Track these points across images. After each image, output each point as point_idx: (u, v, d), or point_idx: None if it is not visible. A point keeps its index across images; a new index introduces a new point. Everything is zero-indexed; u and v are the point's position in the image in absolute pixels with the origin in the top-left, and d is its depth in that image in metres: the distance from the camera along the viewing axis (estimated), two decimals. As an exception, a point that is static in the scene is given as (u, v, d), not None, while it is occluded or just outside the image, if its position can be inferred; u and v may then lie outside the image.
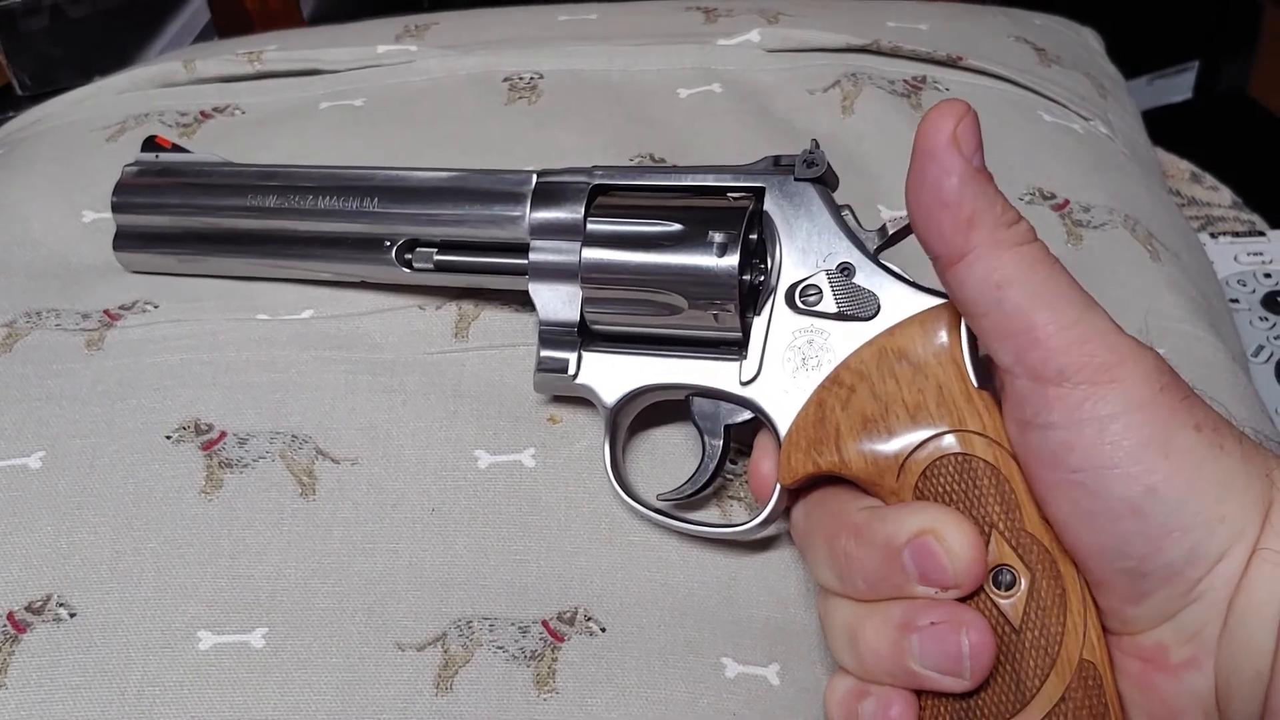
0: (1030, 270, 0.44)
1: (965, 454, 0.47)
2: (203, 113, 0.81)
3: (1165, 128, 1.06)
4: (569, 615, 0.54)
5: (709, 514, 0.58)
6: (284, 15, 1.32)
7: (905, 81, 0.79)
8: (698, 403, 0.55)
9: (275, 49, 0.86)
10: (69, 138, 0.81)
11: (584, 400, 0.61)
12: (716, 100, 0.79)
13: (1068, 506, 0.44)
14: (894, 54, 0.81)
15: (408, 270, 0.63)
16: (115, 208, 0.69)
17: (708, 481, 0.55)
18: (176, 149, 0.70)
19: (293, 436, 0.60)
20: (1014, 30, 0.90)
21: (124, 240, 0.69)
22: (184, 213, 0.67)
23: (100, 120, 0.82)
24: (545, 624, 0.54)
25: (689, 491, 0.55)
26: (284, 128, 0.78)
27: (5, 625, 0.54)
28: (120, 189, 0.69)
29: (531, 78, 0.81)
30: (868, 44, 0.82)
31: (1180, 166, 0.99)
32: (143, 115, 0.81)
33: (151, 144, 0.70)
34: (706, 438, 0.55)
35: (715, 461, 0.55)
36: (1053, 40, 0.91)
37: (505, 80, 0.81)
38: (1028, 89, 0.81)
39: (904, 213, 0.67)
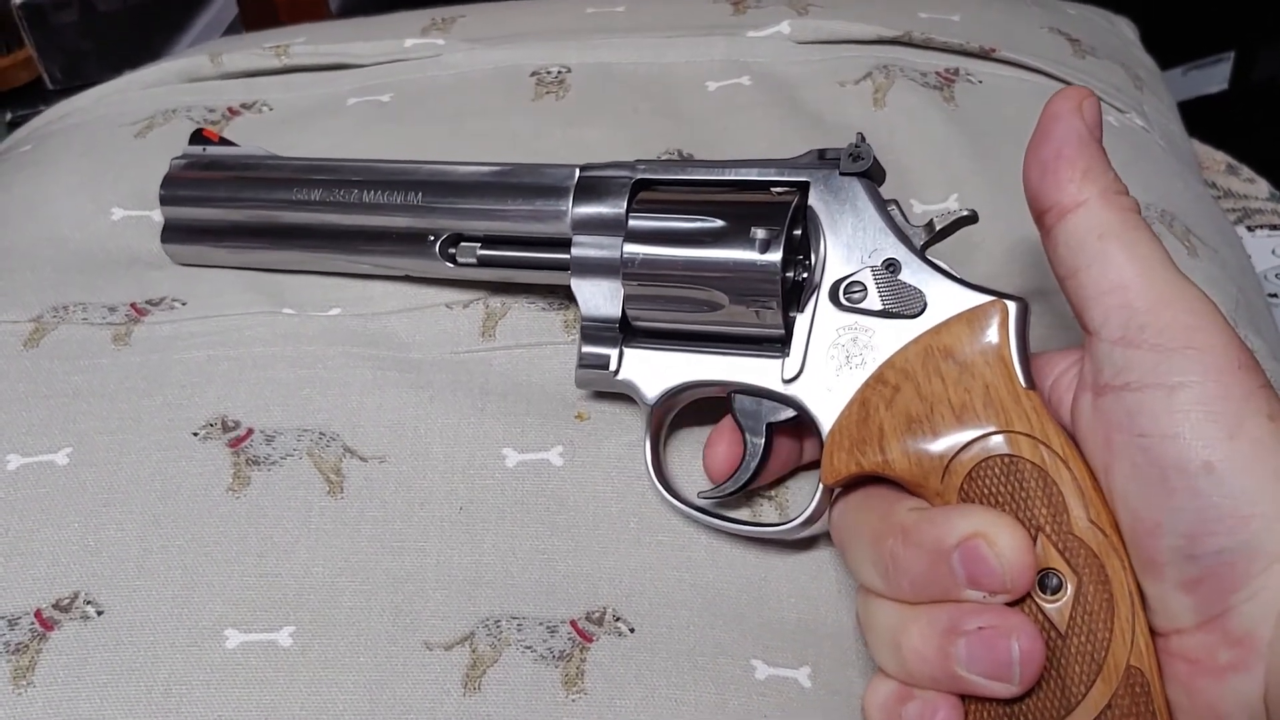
0: (1132, 230, 0.46)
1: (1012, 455, 0.46)
2: (230, 109, 0.81)
3: (1201, 119, 1.04)
4: (597, 615, 0.54)
5: (738, 513, 0.57)
6: (311, 6, 1.32)
7: (938, 73, 0.78)
8: (740, 400, 0.54)
9: (302, 43, 0.86)
10: (96, 133, 0.81)
11: (613, 397, 0.60)
12: (746, 93, 0.78)
13: (1129, 472, 0.44)
14: (926, 45, 0.80)
15: (451, 265, 0.62)
16: (163, 200, 0.69)
17: (749, 479, 0.54)
18: (224, 142, 0.70)
19: (320, 434, 0.60)
20: (1047, 21, 0.89)
21: (171, 233, 0.70)
22: (230, 206, 0.67)
23: (127, 116, 0.82)
24: (574, 624, 0.53)
25: (731, 489, 0.55)
26: (312, 124, 0.78)
27: (33, 623, 0.54)
28: (168, 182, 0.69)
29: (559, 71, 0.80)
30: (899, 35, 0.80)
31: (1216, 158, 0.98)
32: (170, 111, 0.81)
33: (199, 137, 0.71)
34: (748, 435, 0.54)
35: (757, 460, 0.54)
36: (1087, 31, 0.90)
37: (533, 75, 0.80)
38: (1062, 81, 0.80)
39: (939, 206, 0.67)
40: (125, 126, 0.81)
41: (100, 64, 1.36)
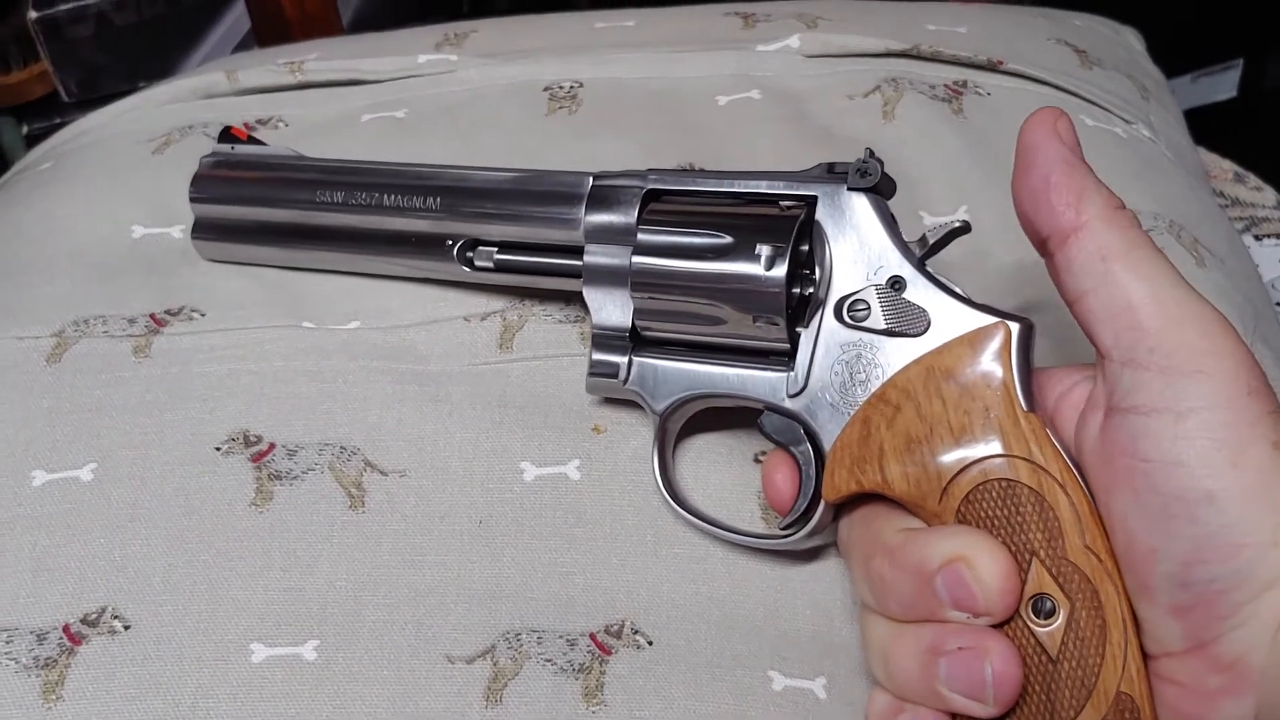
0: (1136, 248, 0.45)
1: (1010, 480, 0.46)
2: (246, 125, 0.82)
3: (1210, 127, 1.04)
4: (616, 628, 0.55)
5: (753, 525, 0.58)
6: (323, 22, 1.32)
7: (946, 86, 0.79)
8: (769, 419, 0.54)
9: (316, 58, 0.87)
10: (115, 150, 0.82)
11: (629, 409, 0.61)
12: (756, 107, 0.79)
13: (1130, 495, 0.43)
14: (934, 58, 0.81)
15: (468, 269, 0.63)
16: (192, 199, 0.71)
17: (816, 489, 0.53)
18: (252, 140, 0.72)
19: (341, 448, 0.61)
20: (1054, 32, 0.90)
21: (202, 229, 0.71)
22: (257, 205, 0.69)
23: (145, 133, 0.83)
24: (593, 636, 0.54)
25: (804, 506, 0.54)
26: (328, 140, 0.79)
27: (62, 638, 0.55)
28: (197, 181, 0.71)
29: (571, 86, 0.81)
30: (908, 48, 0.81)
31: (1223, 167, 0.98)
32: (186, 127, 0.82)
33: (228, 135, 0.72)
34: (792, 449, 0.54)
35: (814, 467, 0.53)
36: (1093, 42, 0.91)
37: (545, 89, 0.81)
38: (1069, 92, 0.80)
39: (948, 219, 0.67)
40: (143, 143, 0.82)
41: (116, 77, 1.38)
